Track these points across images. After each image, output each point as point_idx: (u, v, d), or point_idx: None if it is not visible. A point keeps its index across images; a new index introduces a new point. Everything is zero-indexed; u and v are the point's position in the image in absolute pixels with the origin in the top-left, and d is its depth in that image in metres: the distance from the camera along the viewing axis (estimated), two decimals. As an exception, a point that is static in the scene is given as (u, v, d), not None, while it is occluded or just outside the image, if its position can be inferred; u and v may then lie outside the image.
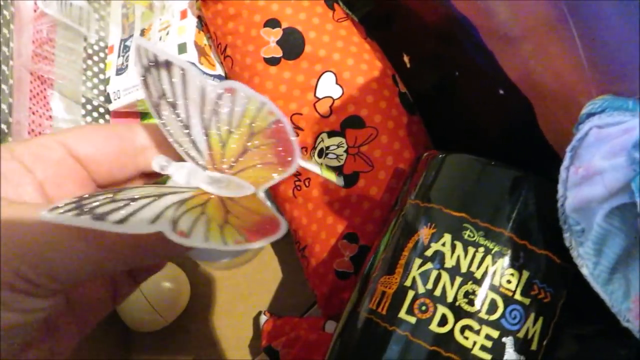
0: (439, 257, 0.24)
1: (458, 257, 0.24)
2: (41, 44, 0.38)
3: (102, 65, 0.44)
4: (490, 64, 0.30)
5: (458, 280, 0.24)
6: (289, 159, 0.18)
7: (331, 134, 0.35)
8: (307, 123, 0.35)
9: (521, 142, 0.31)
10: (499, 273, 0.23)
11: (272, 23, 0.36)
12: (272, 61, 0.36)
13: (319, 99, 0.35)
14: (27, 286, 0.16)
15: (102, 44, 0.44)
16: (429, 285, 0.24)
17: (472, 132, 0.35)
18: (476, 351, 0.23)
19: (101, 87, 0.43)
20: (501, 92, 0.32)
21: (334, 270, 0.34)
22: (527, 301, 0.24)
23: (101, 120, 0.42)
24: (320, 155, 0.35)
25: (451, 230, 0.24)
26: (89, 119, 0.42)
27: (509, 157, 0.28)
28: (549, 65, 0.27)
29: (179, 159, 0.20)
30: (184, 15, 0.41)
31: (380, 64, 0.36)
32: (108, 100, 0.42)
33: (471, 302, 0.23)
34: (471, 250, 0.24)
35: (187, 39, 0.40)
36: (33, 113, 0.37)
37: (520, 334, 0.23)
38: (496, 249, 0.24)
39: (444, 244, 0.24)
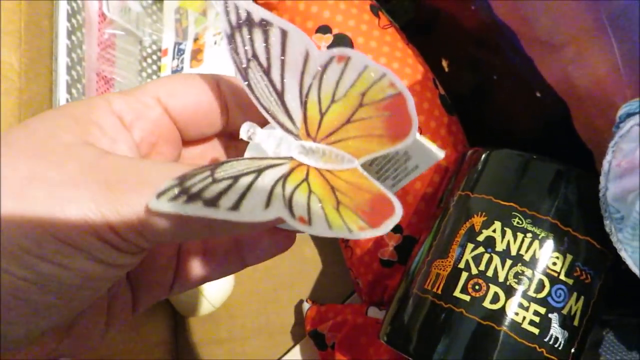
0: (490, 242, 0.27)
1: (508, 242, 0.26)
2: (105, 47, 0.41)
3: (155, 67, 0.47)
4: (528, 68, 0.33)
5: (508, 262, 0.26)
6: (404, 131, 0.16)
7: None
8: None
9: (556, 140, 0.33)
10: (546, 256, 0.26)
11: (324, 29, 0.39)
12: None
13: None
14: (116, 239, 0.15)
15: (154, 47, 0.47)
16: (482, 267, 0.26)
17: (508, 132, 0.38)
18: (525, 325, 0.25)
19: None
20: (538, 94, 0.34)
21: (379, 259, 0.37)
22: (570, 282, 0.26)
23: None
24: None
25: (501, 218, 0.27)
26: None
27: (544, 154, 0.30)
28: (588, 69, 0.29)
29: (262, 123, 0.18)
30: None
31: (422, 68, 0.39)
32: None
33: (521, 282, 0.26)
34: (520, 235, 0.26)
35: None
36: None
37: (565, 311, 0.26)
38: (543, 234, 0.26)
39: (494, 230, 0.27)
